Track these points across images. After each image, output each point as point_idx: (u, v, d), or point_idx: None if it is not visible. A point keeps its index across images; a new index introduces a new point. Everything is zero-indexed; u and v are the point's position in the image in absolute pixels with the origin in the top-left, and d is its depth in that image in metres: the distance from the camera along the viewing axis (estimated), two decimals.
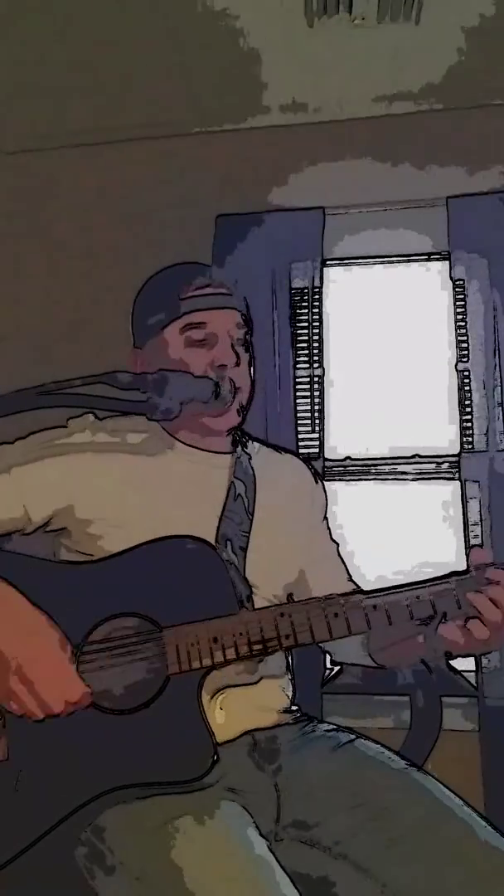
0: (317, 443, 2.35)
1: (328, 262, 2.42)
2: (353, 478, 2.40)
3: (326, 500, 1.46)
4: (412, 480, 2.37)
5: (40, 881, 1.13)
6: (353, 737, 1.25)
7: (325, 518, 1.44)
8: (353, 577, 1.41)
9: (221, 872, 0.99)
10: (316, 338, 2.39)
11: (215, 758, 1.09)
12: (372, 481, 2.39)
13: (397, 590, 1.14)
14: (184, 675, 1.12)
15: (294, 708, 1.31)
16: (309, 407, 2.36)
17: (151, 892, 1.01)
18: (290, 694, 1.32)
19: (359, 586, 1.37)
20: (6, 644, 1.09)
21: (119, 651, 1.13)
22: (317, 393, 2.37)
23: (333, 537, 1.45)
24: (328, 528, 1.44)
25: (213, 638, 1.12)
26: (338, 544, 1.44)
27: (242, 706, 1.22)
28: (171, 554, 1.17)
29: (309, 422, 2.36)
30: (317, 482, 1.46)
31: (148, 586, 1.17)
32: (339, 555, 1.43)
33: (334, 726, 1.29)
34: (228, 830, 1.04)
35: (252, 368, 1.35)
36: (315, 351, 2.38)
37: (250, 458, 1.36)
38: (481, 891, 1.03)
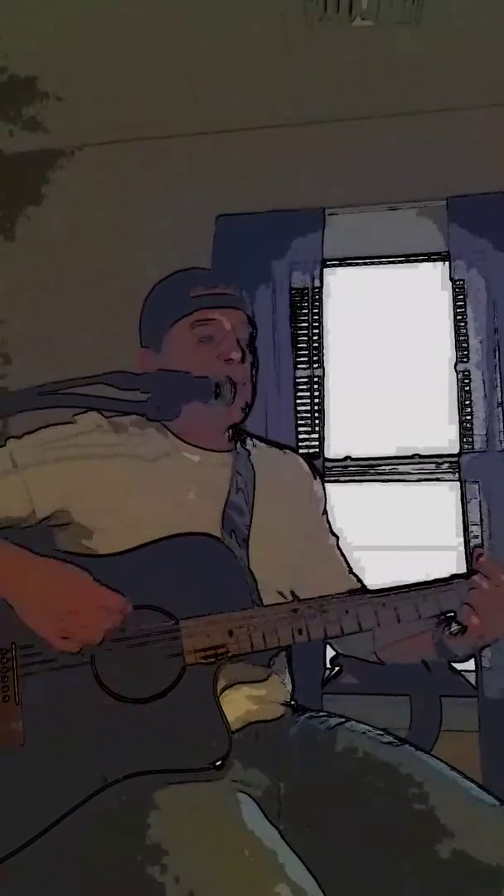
0: (317, 443, 2.35)
1: (328, 262, 2.42)
2: (353, 478, 2.40)
3: (325, 495, 1.48)
4: (412, 481, 2.37)
5: (44, 874, 1.12)
6: (342, 719, 1.27)
7: (325, 512, 1.47)
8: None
9: (246, 860, 0.98)
10: (316, 338, 2.40)
11: (230, 749, 1.10)
12: (372, 481, 2.40)
13: (405, 589, 1.19)
14: (199, 667, 1.13)
15: (293, 702, 1.33)
16: (309, 407, 2.37)
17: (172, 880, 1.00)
18: (289, 687, 1.33)
19: (360, 579, 1.41)
20: (40, 587, 1.12)
21: (136, 642, 1.14)
22: (317, 393, 2.37)
23: (334, 531, 1.47)
24: (328, 522, 1.46)
25: (229, 631, 1.14)
26: (338, 538, 1.46)
27: (245, 699, 1.23)
28: (189, 550, 1.20)
29: (309, 422, 2.36)
30: (315, 477, 1.49)
31: (165, 581, 1.18)
32: (340, 548, 1.45)
33: (325, 713, 1.32)
34: (250, 820, 1.04)
35: (254, 371, 1.36)
36: (315, 351, 2.39)
37: (249, 454, 1.38)
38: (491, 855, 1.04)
